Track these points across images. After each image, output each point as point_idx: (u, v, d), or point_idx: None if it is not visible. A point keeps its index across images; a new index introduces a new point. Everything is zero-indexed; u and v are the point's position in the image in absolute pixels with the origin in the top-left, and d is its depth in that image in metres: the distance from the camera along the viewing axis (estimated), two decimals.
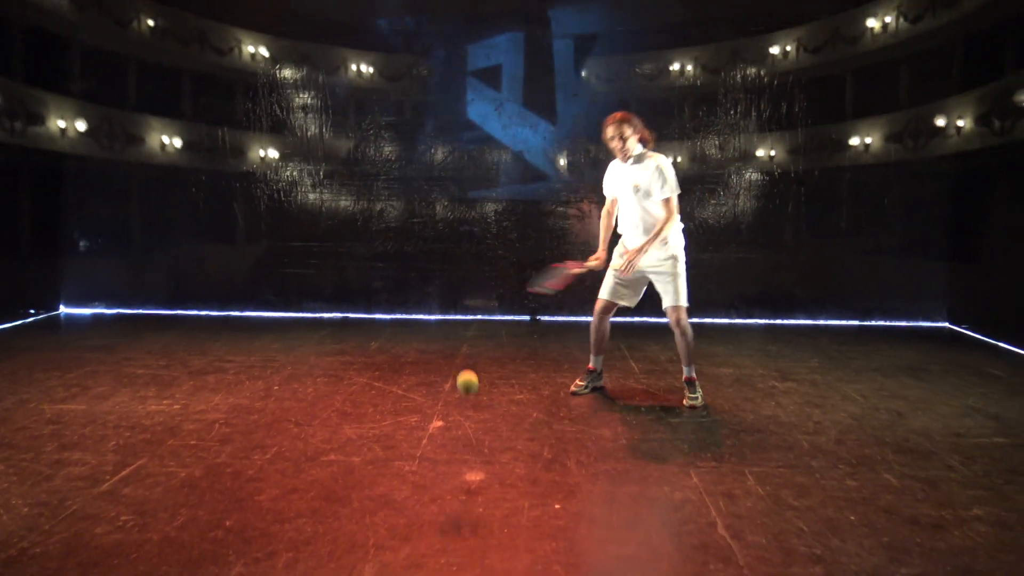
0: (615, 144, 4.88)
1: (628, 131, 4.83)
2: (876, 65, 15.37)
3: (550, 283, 5.02)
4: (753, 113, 10.62)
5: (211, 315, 9.06)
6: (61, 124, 11.96)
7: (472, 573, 2.64)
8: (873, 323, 8.83)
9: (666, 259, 4.90)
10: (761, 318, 8.90)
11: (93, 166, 12.43)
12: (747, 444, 4.15)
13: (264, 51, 15.14)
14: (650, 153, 4.89)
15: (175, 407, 4.78)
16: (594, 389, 5.32)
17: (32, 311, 8.79)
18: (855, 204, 10.59)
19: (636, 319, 8.39)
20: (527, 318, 8.86)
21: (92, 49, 12.94)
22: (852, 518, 3.14)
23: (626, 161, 4.92)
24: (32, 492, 3.31)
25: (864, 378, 5.89)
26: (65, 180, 10.88)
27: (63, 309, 9.12)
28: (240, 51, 15.00)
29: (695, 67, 16.80)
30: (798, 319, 8.91)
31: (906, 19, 14.20)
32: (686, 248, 5.01)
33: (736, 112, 10.52)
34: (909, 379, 5.87)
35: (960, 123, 12.60)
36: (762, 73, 11.00)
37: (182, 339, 7.34)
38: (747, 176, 9.97)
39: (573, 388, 5.29)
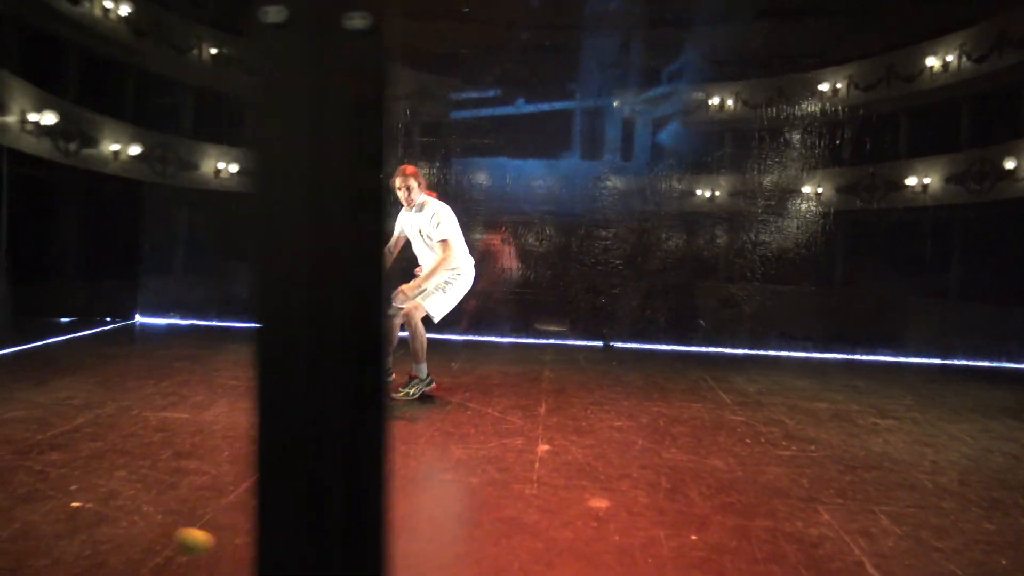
0: (402, 194, 5.40)
1: (414, 183, 5.38)
2: (934, 104, 15.03)
3: None
4: (803, 149, 10.47)
5: None
6: (115, 147, 11.96)
7: None
8: (955, 362, 8.61)
9: (445, 281, 5.44)
10: (839, 352, 8.73)
11: (160, 190, 12.54)
12: (868, 482, 4.03)
13: None
14: (431, 202, 5.47)
15: None
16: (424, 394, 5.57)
17: (108, 319, 8.91)
18: (934, 244, 10.39)
19: (713, 350, 8.28)
20: (600, 344, 8.79)
21: (148, 74, 12.92)
22: (1004, 563, 3.02)
23: (411, 209, 5.46)
24: (160, 500, 3.30)
25: (964, 418, 5.71)
26: (138, 202, 10.98)
27: (139, 319, 9.24)
28: None
29: (736, 102, 16.66)
30: (877, 355, 8.73)
31: (969, 58, 13.90)
32: (475, 280, 5.63)
33: (786, 147, 10.39)
34: (1012, 420, 5.69)
35: None
36: (811, 109, 10.88)
37: None
38: (812, 211, 9.85)
39: (396, 396, 5.46)
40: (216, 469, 3.75)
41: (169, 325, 9.10)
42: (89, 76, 11.94)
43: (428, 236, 5.43)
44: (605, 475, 3.94)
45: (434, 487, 3.62)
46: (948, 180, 14.14)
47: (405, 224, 5.57)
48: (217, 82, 13.82)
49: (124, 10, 11.47)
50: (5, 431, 4.25)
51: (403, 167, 5.45)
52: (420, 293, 5.33)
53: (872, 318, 9.31)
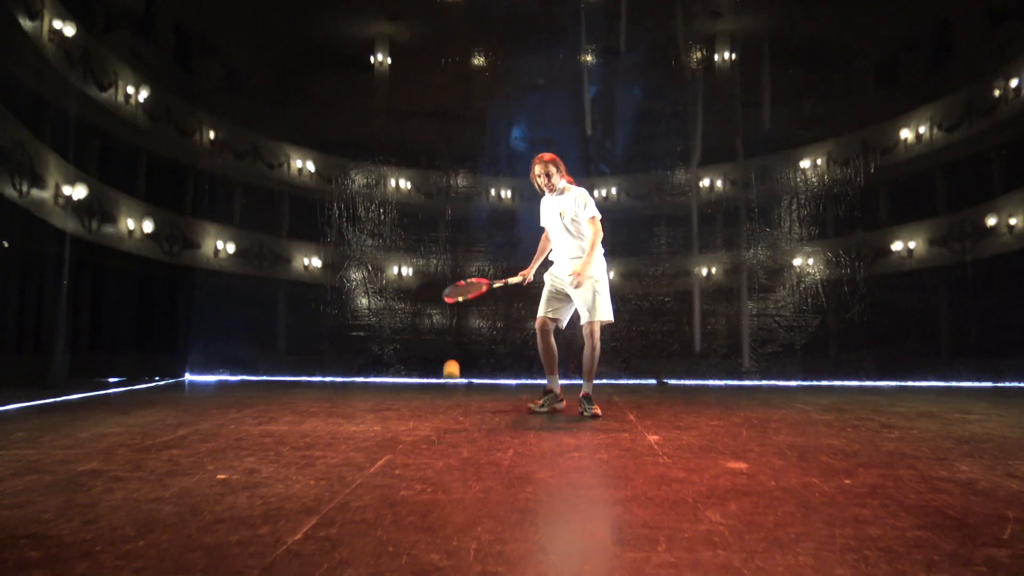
0: (542, 180, 5.58)
1: (553, 169, 5.55)
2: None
3: (469, 293, 5.77)
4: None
5: (335, 380, 9.15)
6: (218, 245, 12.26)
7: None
8: (1007, 384, 8.66)
9: (589, 279, 5.41)
10: (890, 380, 8.78)
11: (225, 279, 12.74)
12: (987, 450, 4.03)
13: (311, 166, 15.74)
14: (571, 187, 5.61)
15: (375, 428, 4.75)
16: (553, 410, 5.69)
17: (157, 377, 8.90)
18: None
19: (765, 383, 8.27)
20: (654, 381, 8.80)
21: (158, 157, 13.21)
22: None
23: (552, 194, 5.64)
24: (306, 472, 3.25)
25: None
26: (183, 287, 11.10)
27: (188, 376, 9.24)
28: (289, 165, 15.53)
29: (724, 183, 17.04)
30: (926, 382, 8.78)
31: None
32: (608, 269, 5.73)
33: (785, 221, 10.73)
34: None
35: None
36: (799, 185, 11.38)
37: (328, 393, 7.35)
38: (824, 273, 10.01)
39: (532, 406, 5.71)
40: (342, 456, 3.72)
41: (219, 381, 9.09)
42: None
43: (574, 218, 5.53)
44: (728, 451, 3.94)
45: (567, 460, 3.61)
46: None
47: (546, 212, 5.71)
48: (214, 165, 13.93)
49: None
50: (113, 440, 4.21)
51: (540, 155, 5.60)
52: (590, 279, 5.39)
53: (917, 351, 9.39)
